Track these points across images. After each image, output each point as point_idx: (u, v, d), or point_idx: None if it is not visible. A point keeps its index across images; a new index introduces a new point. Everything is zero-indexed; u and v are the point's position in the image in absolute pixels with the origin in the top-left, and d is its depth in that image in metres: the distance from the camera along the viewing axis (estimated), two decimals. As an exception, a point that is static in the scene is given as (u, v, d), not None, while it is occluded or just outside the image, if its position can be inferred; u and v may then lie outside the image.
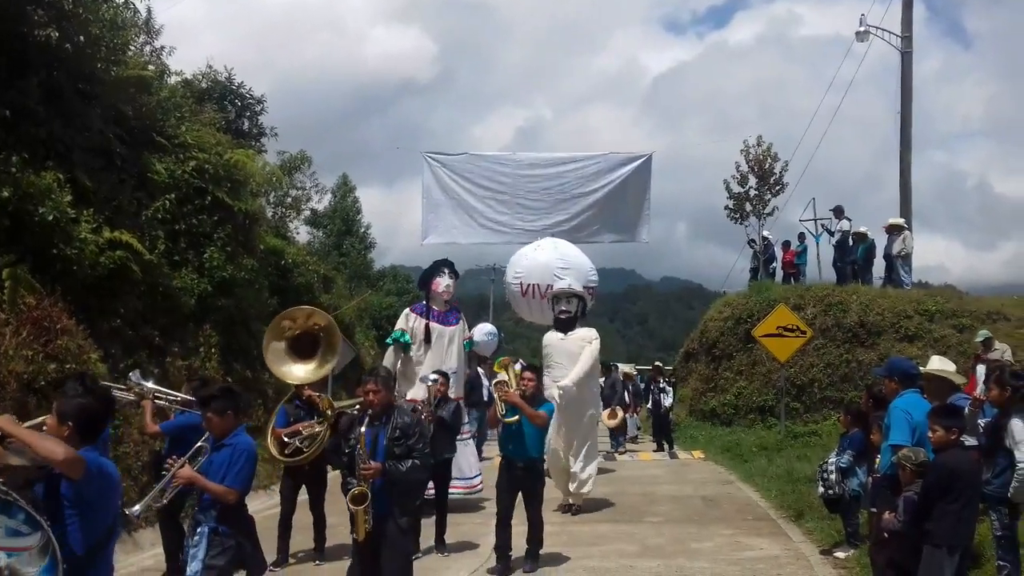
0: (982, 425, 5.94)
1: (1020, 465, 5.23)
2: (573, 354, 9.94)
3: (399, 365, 10.08)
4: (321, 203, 32.43)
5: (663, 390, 16.40)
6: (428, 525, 8.08)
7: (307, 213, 30.15)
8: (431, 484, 7.87)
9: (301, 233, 27.56)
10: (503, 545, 7.24)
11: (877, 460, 6.53)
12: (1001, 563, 5.31)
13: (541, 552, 7.46)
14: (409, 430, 5.25)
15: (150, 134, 12.41)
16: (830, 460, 7.59)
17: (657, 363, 17.35)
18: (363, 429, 5.23)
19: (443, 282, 10.34)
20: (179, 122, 13.19)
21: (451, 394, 9.39)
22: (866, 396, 7.42)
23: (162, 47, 16.39)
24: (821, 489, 7.63)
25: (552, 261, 12.96)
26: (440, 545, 8.07)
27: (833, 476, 7.40)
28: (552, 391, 9.37)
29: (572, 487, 9.88)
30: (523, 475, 7.33)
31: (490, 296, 48.48)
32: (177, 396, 7.43)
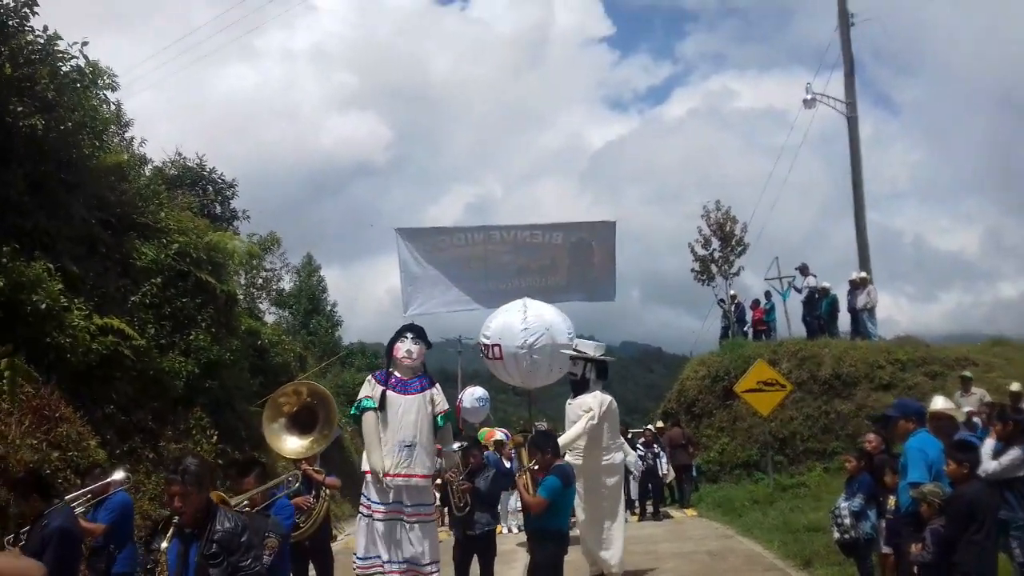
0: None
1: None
2: (572, 420, 9.58)
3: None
4: (286, 283, 32.48)
5: (657, 455, 16.04)
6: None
7: (272, 294, 30.14)
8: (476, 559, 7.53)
9: (268, 314, 27.55)
10: None
11: (891, 501, 6.75)
12: (1026, 590, 5.52)
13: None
14: (231, 542, 4.01)
15: (132, 219, 12.51)
16: (841, 505, 7.75)
17: (649, 428, 17.38)
18: (164, 545, 4.08)
19: (403, 347, 9.62)
20: (158, 208, 13.28)
21: (410, 471, 8.89)
22: (877, 439, 7.64)
23: (132, 137, 16.60)
24: (836, 534, 7.77)
25: (519, 324, 12.38)
26: None
27: (847, 520, 7.56)
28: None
29: (605, 570, 9.39)
30: (536, 545, 7.09)
31: (457, 369, 48.36)
32: (86, 491, 7.10)
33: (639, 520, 15.17)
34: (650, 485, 15.77)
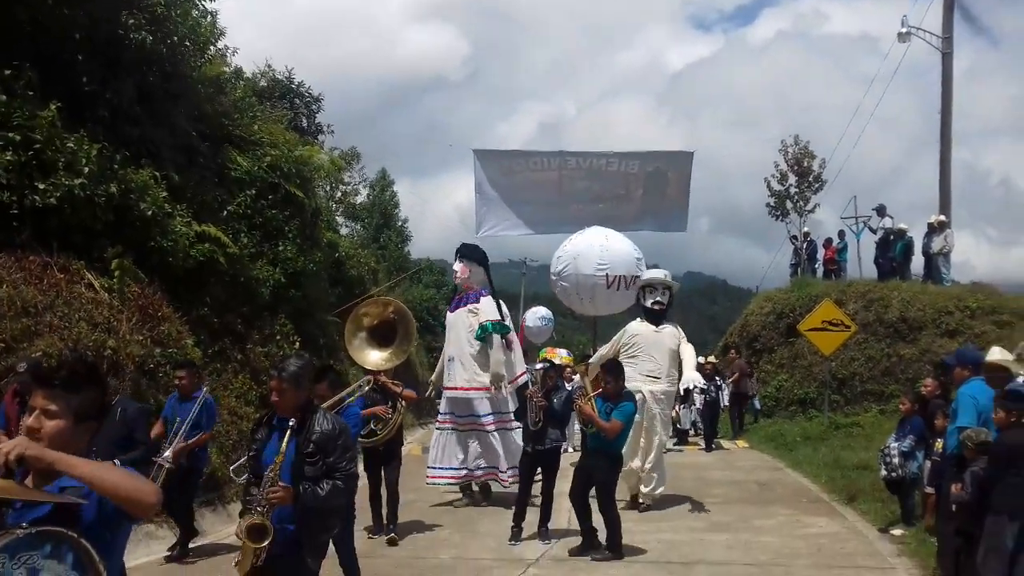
0: None
1: None
2: (666, 348, 9.70)
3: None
4: (361, 197, 33.24)
5: (720, 388, 16.44)
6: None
7: (348, 207, 30.97)
8: (539, 471, 8.02)
9: (342, 227, 28.39)
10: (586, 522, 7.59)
11: (938, 444, 7.06)
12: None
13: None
14: (328, 443, 4.11)
15: (228, 131, 13.11)
16: (892, 444, 8.11)
17: (712, 360, 17.63)
18: (262, 435, 4.28)
19: (454, 267, 10.59)
20: (252, 120, 13.86)
21: (451, 383, 9.91)
22: (934, 384, 7.88)
23: (226, 47, 17.09)
24: (884, 472, 8.14)
25: (593, 252, 12.51)
26: (544, 533, 8.02)
27: (896, 459, 7.93)
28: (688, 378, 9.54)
29: (643, 488, 9.66)
30: (597, 464, 7.57)
31: (520, 290, 48.95)
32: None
33: (706, 450, 15.35)
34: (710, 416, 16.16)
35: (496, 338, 10.02)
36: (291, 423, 4.06)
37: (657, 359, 9.67)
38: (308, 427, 4.11)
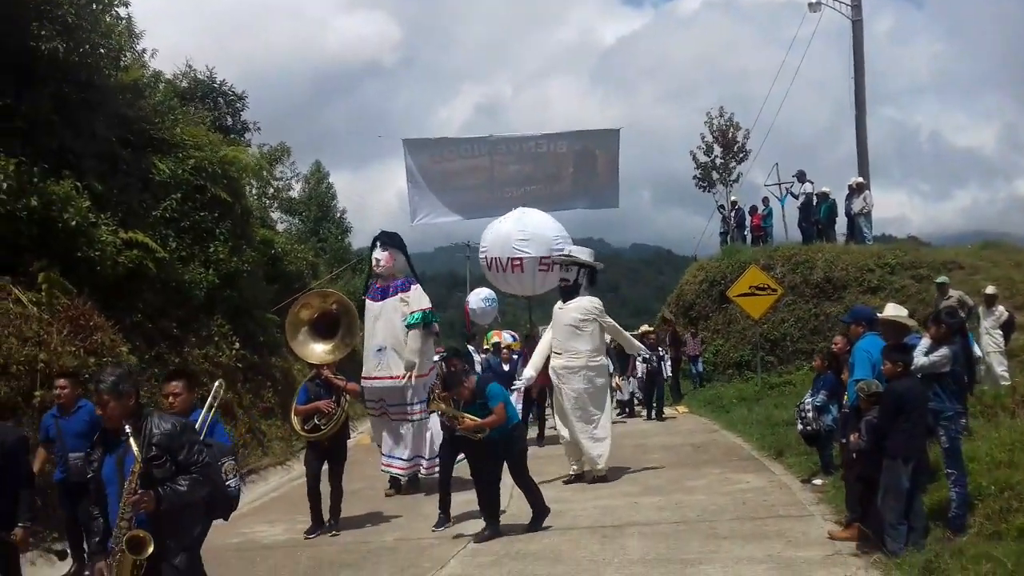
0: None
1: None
2: (567, 325, 9.82)
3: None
4: (295, 192, 33.03)
5: (662, 358, 16.60)
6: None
7: (283, 202, 30.78)
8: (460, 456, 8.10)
9: (279, 222, 28.23)
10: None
11: (846, 397, 7.53)
12: (948, 471, 6.29)
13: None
14: (172, 442, 4.06)
15: (149, 135, 13.02)
16: (806, 400, 8.60)
17: (644, 329, 18.04)
18: (97, 455, 4.17)
19: (374, 256, 10.39)
20: (174, 123, 13.78)
21: (384, 372, 9.78)
22: (843, 341, 8.33)
23: (144, 50, 16.88)
24: (800, 426, 8.64)
25: (512, 232, 13.37)
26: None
27: (810, 414, 8.42)
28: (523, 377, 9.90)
29: (587, 465, 9.78)
30: (506, 446, 7.55)
31: (466, 273, 49.21)
32: None
33: (649, 419, 15.70)
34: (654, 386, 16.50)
35: (428, 328, 10.10)
36: (126, 432, 3.98)
37: (559, 335, 9.87)
38: (145, 432, 4.03)
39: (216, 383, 5.31)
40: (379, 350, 10.06)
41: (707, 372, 18.69)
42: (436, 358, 9.47)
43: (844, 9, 21.00)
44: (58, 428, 6.82)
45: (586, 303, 9.91)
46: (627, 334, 10.66)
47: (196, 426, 4.70)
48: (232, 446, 5.76)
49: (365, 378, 10.12)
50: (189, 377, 5.46)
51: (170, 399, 5.04)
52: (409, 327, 9.85)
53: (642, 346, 11.68)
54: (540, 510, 7.69)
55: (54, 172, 10.31)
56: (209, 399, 5.14)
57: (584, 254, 10.52)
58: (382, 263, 10.21)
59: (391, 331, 10.04)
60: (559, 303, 10.17)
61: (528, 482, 7.75)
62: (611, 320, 10.11)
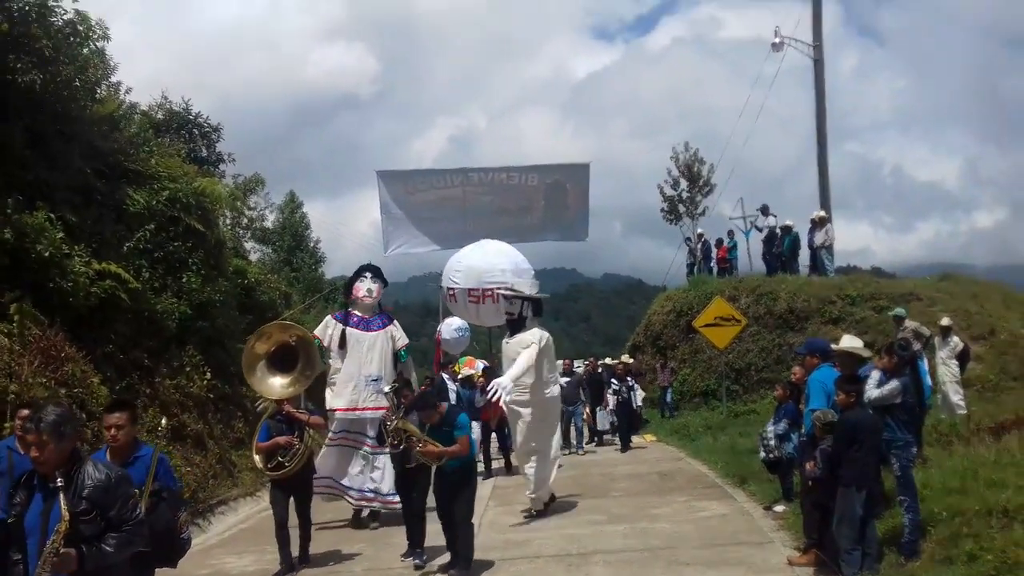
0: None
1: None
2: (511, 359, 9.62)
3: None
4: (269, 222, 33.07)
5: (632, 388, 16.33)
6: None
7: (256, 232, 30.80)
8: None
9: (252, 252, 28.22)
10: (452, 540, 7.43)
11: (803, 426, 7.81)
12: (901, 498, 6.56)
13: (524, 522, 8.40)
14: (104, 496, 3.72)
15: (124, 167, 13.11)
16: (768, 428, 8.88)
17: (624, 359, 18.27)
18: (21, 498, 3.79)
19: (363, 287, 10.39)
20: (148, 155, 13.91)
21: (370, 404, 9.80)
22: (801, 371, 8.61)
23: (119, 83, 17.03)
24: (762, 454, 8.90)
25: (451, 263, 13.92)
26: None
27: (772, 442, 8.69)
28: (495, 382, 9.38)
29: (526, 493, 9.68)
30: (463, 476, 7.41)
31: (438, 303, 49.11)
32: None
33: (622, 452, 15.37)
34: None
35: (411, 361, 10.52)
36: (58, 482, 3.63)
37: (507, 368, 9.66)
38: (77, 482, 3.69)
39: (163, 420, 5.04)
40: (375, 380, 10.02)
41: (674, 402, 18.94)
42: (387, 389, 9.33)
43: (806, 49, 21.69)
44: (10, 462, 5.98)
45: (528, 336, 9.69)
46: (522, 366, 9.42)
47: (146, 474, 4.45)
48: (181, 489, 5.60)
49: (350, 408, 10.08)
50: (132, 408, 5.10)
51: (112, 431, 4.73)
52: (403, 361, 10.30)
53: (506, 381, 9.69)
54: (468, 555, 7.32)
55: (28, 204, 10.39)
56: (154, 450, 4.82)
57: (526, 286, 10.37)
58: (374, 294, 10.42)
59: (386, 363, 10.20)
60: (506, 337, 10.09)
61: (470, 524, 7.44)
62: (534, 351, 9.48)
